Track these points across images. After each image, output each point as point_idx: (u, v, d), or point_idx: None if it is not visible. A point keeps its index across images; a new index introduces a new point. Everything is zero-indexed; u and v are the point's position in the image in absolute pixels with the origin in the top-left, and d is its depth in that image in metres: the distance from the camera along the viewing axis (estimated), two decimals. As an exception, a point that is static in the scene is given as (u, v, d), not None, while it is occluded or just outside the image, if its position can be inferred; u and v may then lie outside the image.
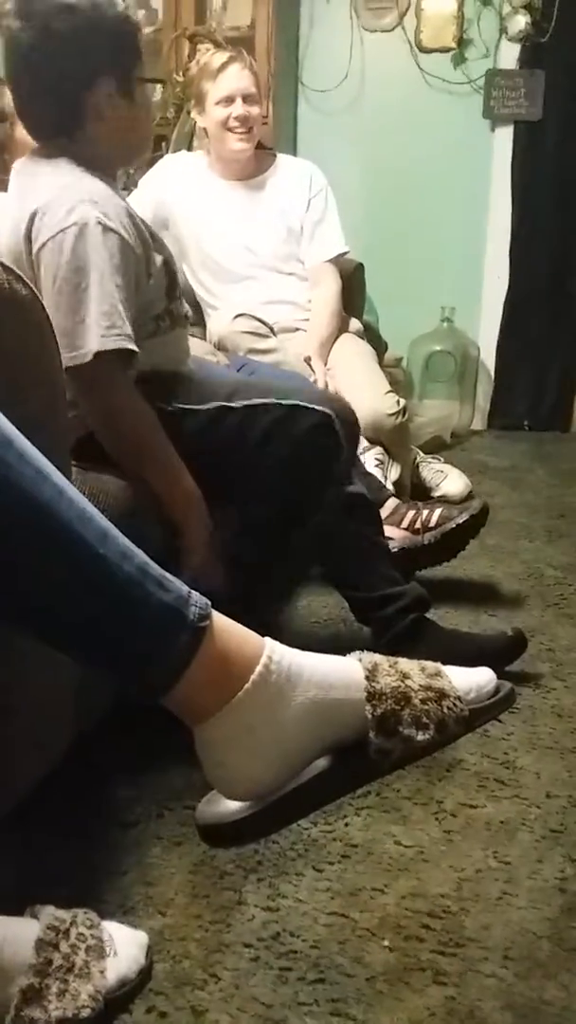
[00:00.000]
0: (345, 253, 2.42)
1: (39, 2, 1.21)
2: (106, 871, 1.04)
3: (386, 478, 2.04)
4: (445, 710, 0.76)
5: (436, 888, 1.02)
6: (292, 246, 2.36)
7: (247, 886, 1.01)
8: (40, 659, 0.91)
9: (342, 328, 2.38)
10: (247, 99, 2.25)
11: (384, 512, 1.81)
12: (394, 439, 2.16)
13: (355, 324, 2.47)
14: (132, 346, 1.20)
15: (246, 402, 1.28)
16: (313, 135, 3.38)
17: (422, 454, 2.52)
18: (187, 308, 1.43)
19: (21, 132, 2.04)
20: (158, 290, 1.32)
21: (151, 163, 2.43)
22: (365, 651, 0.81)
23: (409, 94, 3.29)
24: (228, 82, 2.25)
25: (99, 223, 1.19)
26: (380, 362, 2.48)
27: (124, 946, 0.86)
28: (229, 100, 2.24)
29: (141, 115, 1.33)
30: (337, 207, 2.41)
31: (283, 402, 1.28)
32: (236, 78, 2.25)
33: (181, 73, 3.05)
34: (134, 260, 1.25)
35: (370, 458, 2.03)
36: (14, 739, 0.94)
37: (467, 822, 1.14)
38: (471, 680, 0.80)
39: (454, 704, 0.77)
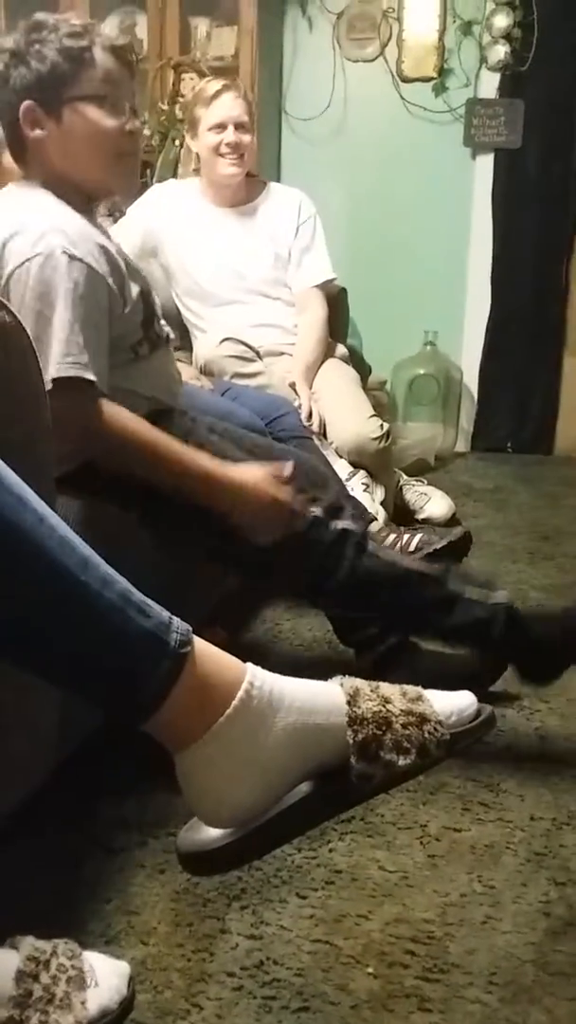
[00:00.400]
0: (332, 280, 2.46)
1: None
2: (88, 899, 1.03)
3: (373, 501, 2.05)
4: (426, 734, 0.76)
5: (420, 913, 1.02)
6: (280, 272, 2.40)
7: (230, 914, 1.01)
8: (23, 681, 0.91)
9: (327, 353, 2.41)
10: (239, 127, 2.32)
11: (367, 535, 1.81)
12: (378, 463, 2.17)
13: (340, 349, 2.50)
14: (89, 375, 1.19)
15: None
16: (297, 162, 3.42)
17: (405, 476, 2.53)
18: (168, 330, 1.44)
19: (7, 159, 2.06)
20: (134, 319, 1.33)
21: (140, 192, 2.47)
22: (347, 676, 0.81)
23: (391, 122, 3.33)
24: (221, 109, 2.31)
25: (64, 252, 1.21)
26: (364, 385, 2.50)
27: (105, 976, 0.85)
28: (221, 127, 2.31)
29: (77, 136, 1.31)
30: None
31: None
32: (229, 106, 2.32)
33: (166, 102, 3.08)
34: (105, 289, 1.26)
35: (356, 483, 2.05)
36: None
37: (451, 846, 1.14)
38: (452, 704, 0.80)
39: (435, 728, 0.77)
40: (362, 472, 2.10)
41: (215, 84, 2.36)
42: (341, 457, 2.12)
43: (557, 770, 1.30)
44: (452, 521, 2.36)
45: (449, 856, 1.12)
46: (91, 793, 1.21)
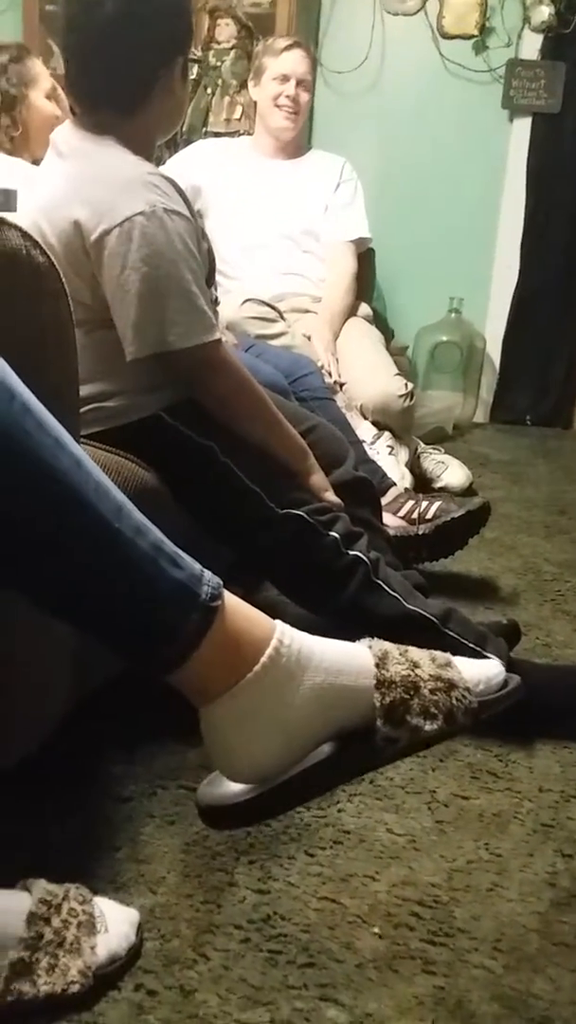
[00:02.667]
0: (367, 240, 2.50)
1: None
2: (98, 847, 1.03)
3: (398, 463, 2.04)
4: (454, 701, 0.76)
5: (427, 877, 1.02)
6: (315, 224, 2.44)
7: (239, 868, 1.01)
8: (35, 631, 0.90)
9: (352, 311, 2.41)
10: (300, 83, 2.44)
11: (385, 500, 1.81)
12: (401, 422, 2.18)
13: (364, 309, 2.49)
14: (217, 335, 1.24)
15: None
16: (329, 116, 3.34)
17: (423, 445, 2.52)
18: (215, 293, 1.42)
19: (37, 97, 2.02)
20: (203, 275, 1.32)
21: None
22: (375, 638, 0.80)
23: (428, 80, 3.26)
24: (288, 63, 2.43)
25: (165, 208, 1.19)
26: (386, 349, 2.48)
27: (115, 923, 0.86)
28: (285, 79, 2.42)
29: (186, 94, 1.37)
30: None
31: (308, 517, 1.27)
32: (296, 61, 2.44)
33: (199, 48, 3.01)
34: (197, 238, 1.27)
35: (382, 446, 2.03)
36: (7, 711, 0.93)
37: (459, 813, 1.14)
38: (481, 672, 0.80)
39: (463, 695, 0.76)
40: (387, 434, 2.09)
41: (287, 39, 2.51)
42: (365, 419, 2.11)
43: (566, 743, 1.30)
44: (469, 491, 2.35)
45: (457, 822, 1.12)
46: (101, 743, 1.22)
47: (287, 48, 2.44)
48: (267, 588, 1.43)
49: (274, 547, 1.28)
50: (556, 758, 1.27)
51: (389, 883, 1.01)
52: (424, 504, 1.84)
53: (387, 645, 0.79)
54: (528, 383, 3.35)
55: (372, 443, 2.01)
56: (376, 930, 0.94)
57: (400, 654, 0.78)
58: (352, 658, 0.77)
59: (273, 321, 2.18)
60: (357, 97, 3.32)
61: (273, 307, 2.21)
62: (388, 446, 2.06)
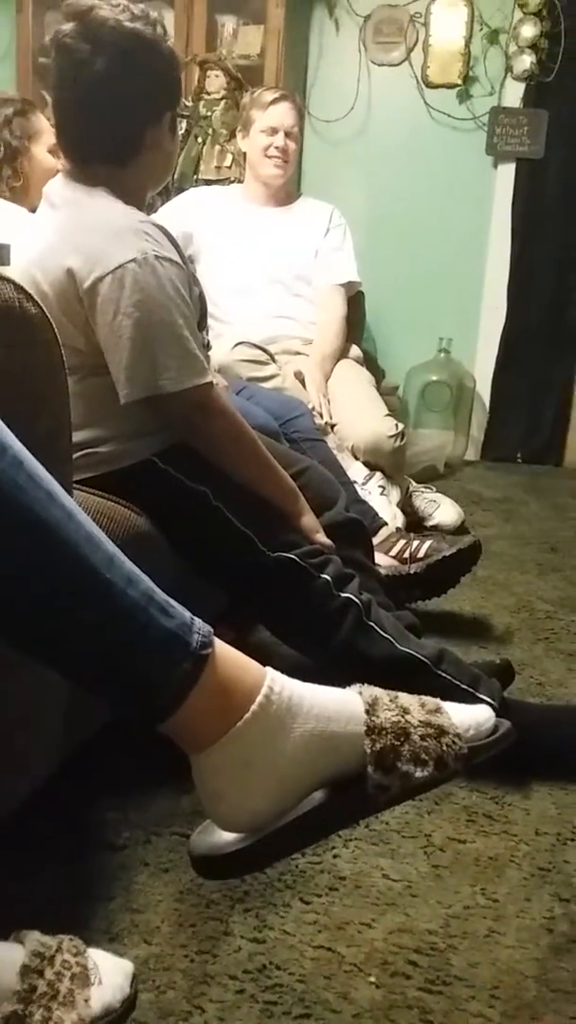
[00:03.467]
0: (357, 284, 2.55)
1: (107, 28, 1.23)
2: (92, 896, 1.02)
3: (390, 504, 2.05)
4: (444, 747, 0.76)
5: (424, 924, 1.02)
6: (305, 269, 2.49)
7: (234, 916, 1.00)
8: (29, 676, 0.90)
9: (343, 352, 2.44)
10: (288, 134, 2.50)
11: (376, 540, 1.82)
12: (392, 462, 2.19)
13: (355, 351, 2.53)
14: (208, 378, 1.26)
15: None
16: (318, 163, 3.42)
17: (414, 483, 2.54)
18: (207, 337, 1.45)
19: (40, 151, 2.06)
20: (194, 320, 1.34)
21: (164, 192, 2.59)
22: (365, 684, 0.80)
23: (414, 128, 3.33)
24: (276, 115, 2.49)
25: (156, 255, 1.22)
26: (377, 389, 2.51)
27: (109, 974, 0.84)
28: (273, 131, 2.48)
29: (176, 148, 1.41)
30: None
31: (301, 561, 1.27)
32: (284, 114, 2.50)
33: (190, 99, 3.08)
34: (188, 283, 1.29)
35: (373, 486, 2.05)
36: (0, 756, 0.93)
37: (455, 857, 1.13)
38: (471, 717, 0.80)
39: (453, 741, 0.76)
40: (378, 475, 2.11)
41: (273, 92, 2.56)
42: (357, 459, 2.13)
43: (563, 785, 1.29)
44: (461, 529, 2.36)
45: (453, 867, 1.11)
46: (95, 790, 1.21)
47: (274, 101, 2.50)
48: (260, 630, 1.44)
49: (266, 591, 1.28)
50: (552, 799, 1.26)
51: (386, 930, 1.00)
52: (416, 543, 1.85)
53: (377, 691, 0.79)
54: (518, 420, 3.38)
55: (364, 483, 2.03)
56: (372, 979, 0.93)
57: (390, 700, 0.78)
58: (342, 705, 0.77)
59: (264, 364, 2.21)
60: (345, 145, 3.40)
61: (264, 350, 2.24)
62: (380, 486, 2.07)
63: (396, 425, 2.20)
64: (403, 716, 0.76)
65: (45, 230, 1.31)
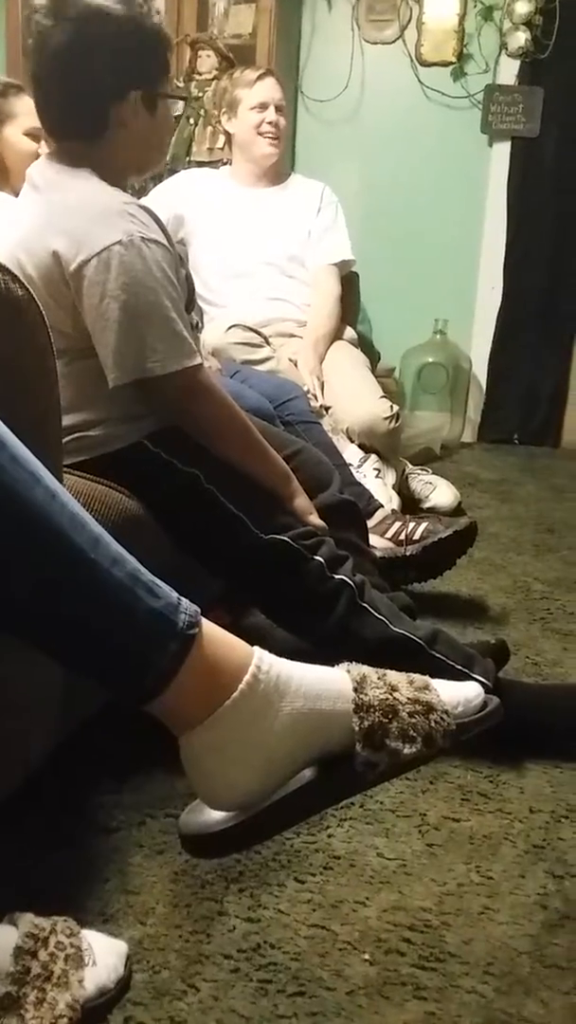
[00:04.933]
0: (350, 262, 2.52)
1: (72, 4, 1.21)
2: (87, 878, 1.03)
3: (385, 486, 2.05)
4: (432, 724, 0.76)
5: (418, 902, 1.02)
6: (299, 250, 2.47)
7: (228, 896, 1.01)
8: (23, 660, 0.90)
9: (337, 334, 2.42)
10: (279, 109, 2.47)
11: (372, 522, 1.81)
12: (387, 444, 2.18)
13: (349, 332, 2.51)
14: (198, 360, 1.25)
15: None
16: (311, 144, 3.39)
17: (411, 466, 2.53)
18: (196, 318, 1.44)
19: (9, 132, 2.04)
20: (182, 302, 1.33)
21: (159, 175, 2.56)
22: (353, 662, 0.80)
23: (408, 106, 3.30)
24: (264, 90, 2.46)
25: (142, 237, 1.21)
26: (373, 372, 2.50)
27: (103, 955, 0.85)
28: (263, 107, 2.45)
29: (161, 129, 1.35)
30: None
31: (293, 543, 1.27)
32: (271, 88, 2.47)
33: (182, 79, 3.06)
34: (175, 265, 1.28)
35: (368, 468, 2.04)
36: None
37: (450, 835, 1.14)
38: (459, 694, 0.80)
39: (441, 718, 0.76)
40: (373, 457, 2.10)
41: (256, 69, 2.53)
42: (352, 442, 2.12)
43: (557, 763, 1.30)
44: (457, 511, 2.36)
45: (447, 845, 1.12)
46: (90, 773, 1.21)
47: (260, 77, 2.47)
48: (256, 614, 1.44)
49: (259, 573, 1.28)
50: (547, 778, 1.27)
51: (380, 908, 1.01)
52: (411, 525, 1.85)
53: (365, 669, 0.79)
54: (515, 402, 3.37)
55: (359, 466, 2.03)
56: (367, 956, 0.94)
57: (378, 678, 0.78)
58: (330, 683, 0.77)
59: (259, 346, 2.20)
60: (338, 124, 3.37)
61: (258, 332, 2.23)
62: (375, 469, 2.07)
63: (391, 407, 2.20)
64: (391, 694, 0.76)
65: (30, 212, 1.30)
